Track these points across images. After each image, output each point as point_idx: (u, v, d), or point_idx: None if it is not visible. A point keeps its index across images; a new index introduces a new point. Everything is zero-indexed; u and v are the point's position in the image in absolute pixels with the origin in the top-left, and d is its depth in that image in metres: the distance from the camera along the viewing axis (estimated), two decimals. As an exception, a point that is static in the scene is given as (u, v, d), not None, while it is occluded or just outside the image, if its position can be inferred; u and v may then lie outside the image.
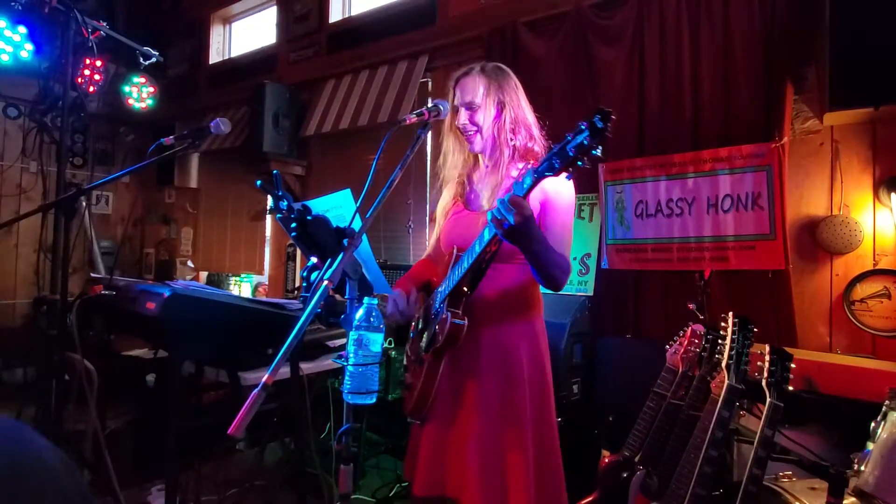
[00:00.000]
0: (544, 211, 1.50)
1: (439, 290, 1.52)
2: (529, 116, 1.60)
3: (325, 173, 4.48)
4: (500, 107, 1.57)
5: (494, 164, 1.57)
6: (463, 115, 1.57)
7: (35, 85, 4.48)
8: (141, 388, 3.03)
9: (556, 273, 1.40)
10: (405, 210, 3.72)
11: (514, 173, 1.57)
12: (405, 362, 1.65)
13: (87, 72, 4.25)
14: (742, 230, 2.44)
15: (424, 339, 1.51)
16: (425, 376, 1.47)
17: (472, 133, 1.57)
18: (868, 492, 1.32)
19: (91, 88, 4.33)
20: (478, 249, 1.36)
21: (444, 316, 1.42)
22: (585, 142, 1.07)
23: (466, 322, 1.41)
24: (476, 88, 1.56)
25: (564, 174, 1.13)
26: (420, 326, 1.57)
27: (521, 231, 1.23)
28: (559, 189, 1.49)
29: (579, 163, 1.10)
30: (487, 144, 1.58)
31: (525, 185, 1.20)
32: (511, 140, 1.56)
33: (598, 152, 1.08)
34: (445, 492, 1.48)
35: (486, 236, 1.33)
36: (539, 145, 1.59)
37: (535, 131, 1.60)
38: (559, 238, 1.47)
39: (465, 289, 1.43)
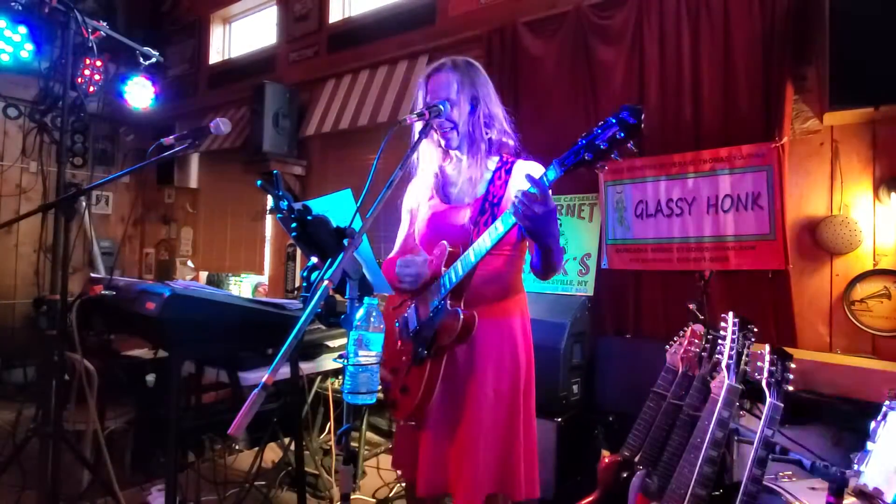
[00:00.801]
0: None
1: (435, 286, 1.50)
2: (500, 110, 1.62)
3: (325, 173, 4.48)
4: (475, 102, 1.57)
5: (473, 158, 1.57)
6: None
7: (35, 85, 4.49)
8: (141, 388, 3.03)
9: (557, 265, 1.44)
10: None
11: (491, 166, 1.59)
12: (391, 365, 1.61)
13: (87, 72, 4.25)
14: (742, 230, 2.44)
15: (423, 339, 1.50)
16: (428, 377, 1.46)
17: (448, 130, 1.56)
18: (868, 492, 1.32)
19: (91, 88, 4.32)
20: (489, 245, 1.36)
21: (452, 311, 1.42)
22: (619, 135, 1.10)
23: (476, 314, 1.42)
24: (450, 84, 1.56)
25: (596, 167, 1.16)
26: (413, 326, 1.55)
27: (546, 223, 1.26)
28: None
29: (614, 155, 1.13)
30: (464, 140, 1.58)
31: (550, 178, 1.22)
32: (487, 134, 1.57)
33: (633, 146, 1.11)
34: (448, 489, 1.50)
35: (502, 230, 1.33)
36: (512, 138, 1.62)
37: (506, 125, 1.62)
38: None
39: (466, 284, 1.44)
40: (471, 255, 1.41)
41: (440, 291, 1.47)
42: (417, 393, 1.47)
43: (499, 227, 1.34)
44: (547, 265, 1.43)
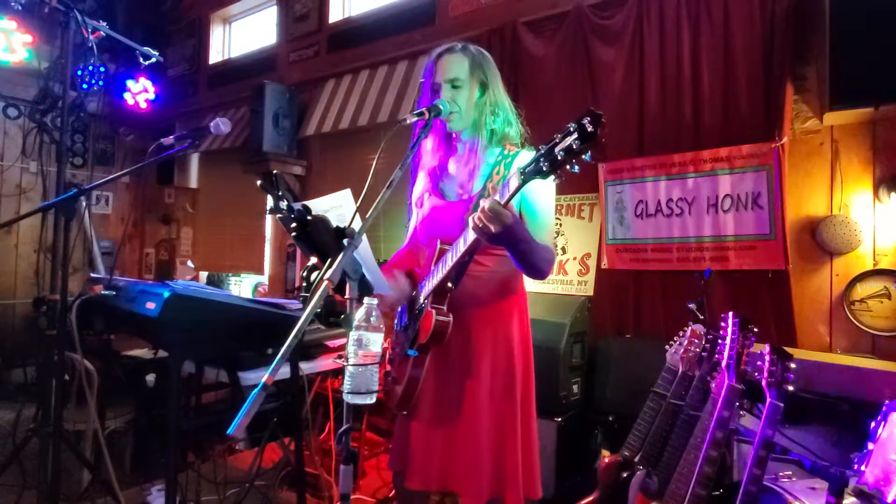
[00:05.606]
0: (524, 200, 1.47)
1: (422, 284, 1.50)
2: (507, 101, 1.58)
3: (325, 173, 4.48)
4: (483, 87, 1.54)
5: (471, 148, 1.54)
6: (447, 92, 1.52)
7: (35, 85, 4.48)
8: (141, 388, 3.03)
9: (541, 266, 1.39)
10: (405, 210, 3.71)
11: (490, 158, 1.54)
12: (388, 355, 1.63)
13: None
14: (742, 230, 2.44)
15: (408, 335, 1.51)
16: (411, 370, 1.47)
17: (452, 112, 1.51)
18: (868, 492, 1.32)
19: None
20: (462, 248, 1.34)
21: (428, 313, 1.42)
22: (575, 146, 1.01)
23: (451, 319, 1.41)
24: (461, 65, 1.53)
25: (553, 178, 1.08)
26: (405, 321, 1.56)
27: (504, 237, 1.22)
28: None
29: (569, 167, 1.04)
30: (466, 126, 1.54)
31: (510, 189, 1.17)
32: (491, 123, 1.53)
33: (589, 157, 1.02)
34: (442, 486, 1.50)
35: (471, 236, 1.30)
36: (515, 130, 1.58)
37: (513, 117, 1.58)
38: (541, 227, 1.44)
39: (450, 284, 1.42)
40: (449, 257, 1.38)
41: (424, 290, 1.48)
42: (402, 386, 1.49)
43: (468, 235, 1.30)
44: (526, 268, 1.39)
